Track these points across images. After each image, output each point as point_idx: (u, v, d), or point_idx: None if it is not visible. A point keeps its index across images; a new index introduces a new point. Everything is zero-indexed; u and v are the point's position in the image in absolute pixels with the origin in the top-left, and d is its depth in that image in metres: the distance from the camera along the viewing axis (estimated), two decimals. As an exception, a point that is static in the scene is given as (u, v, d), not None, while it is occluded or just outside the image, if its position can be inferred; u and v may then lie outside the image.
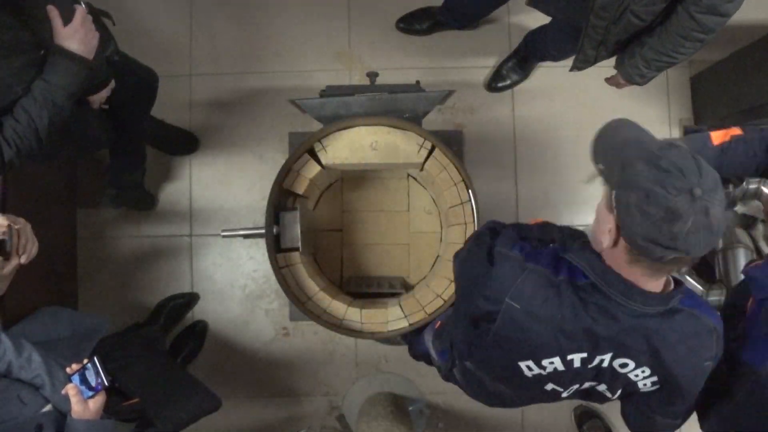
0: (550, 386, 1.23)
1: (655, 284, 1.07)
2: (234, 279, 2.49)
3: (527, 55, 2.42)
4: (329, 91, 1.96)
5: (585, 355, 1.13)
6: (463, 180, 1.92)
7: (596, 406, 2.42)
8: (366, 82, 2.03)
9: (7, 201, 1.89)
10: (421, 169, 1.97)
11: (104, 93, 1.66)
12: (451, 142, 2.40)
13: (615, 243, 1.03)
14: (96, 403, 1.32)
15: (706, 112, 2.49)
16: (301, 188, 1.93)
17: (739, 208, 2.32)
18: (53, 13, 1.35)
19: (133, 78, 1.87)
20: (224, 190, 2.51)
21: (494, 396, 1.42)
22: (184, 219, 2.51)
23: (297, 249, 1.90)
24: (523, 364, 1.18)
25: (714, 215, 0.92)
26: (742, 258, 2.13)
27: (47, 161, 2.13)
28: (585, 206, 2.52)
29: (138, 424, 1.71)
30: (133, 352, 1.97)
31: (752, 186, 2.21)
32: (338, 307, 1.91)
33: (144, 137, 2.26)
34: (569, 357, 1.14)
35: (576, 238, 1.29)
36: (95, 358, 1.33)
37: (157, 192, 2.50)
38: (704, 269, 2.28)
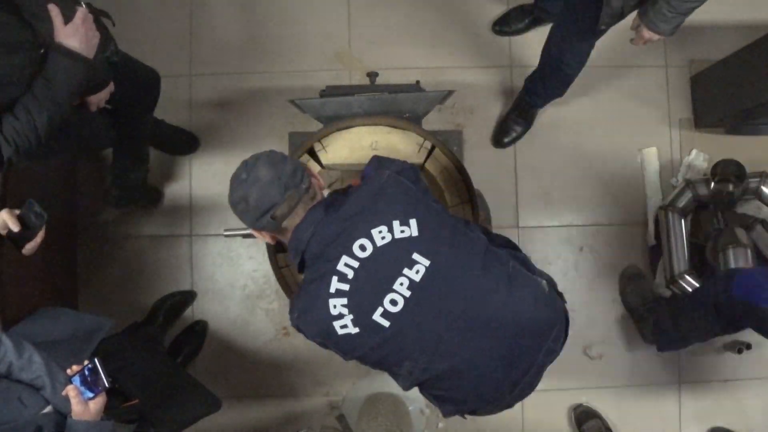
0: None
1: (294, 221, 1.26)
2: (234, 279, 2.49)
3: (529, 104, 2.41)
4: (329, 91, 1.96)
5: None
6: (463, 180, 1.92)
7: (596, 406, 2.42)
8: (366, 82, 2.03)
9: (7, 200, 1.89)
10: (421, 169, 1.97)
11: (103, 95, 1.65)
12: (451, 142, 2.40)
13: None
14: (96, 404, 1.32)
15: (706, 112, 2.49)
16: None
17: (739, 208, 2.33)
18: (54, 11, 1.35)
19: (134, 78, 1.87)
20: (224, 190, 2.46)
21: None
22: (184, 219, 2.51)
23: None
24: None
25: (262, 175, 1.21)
26: (741, 258, 2.13)
27: (46, 161, 2.13)
28: (585, 206, 2.52)
29: (138, 426, 1.71)
30: (133, 353, 1.96)
31: (752, 185, 2.22)
32: (338, 307, 1.91)
33: (147, 137, 2.25)
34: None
35: None
36: (96, 360, 1.33)
37: (161, 187, 2.50)
38: (704, 269, 2.29)
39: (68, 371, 1.33)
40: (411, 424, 2.21)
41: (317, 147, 1.93)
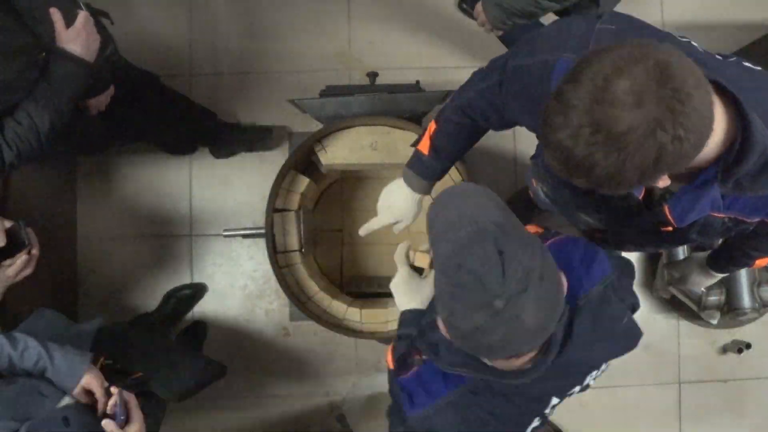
0: None
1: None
2: (234, 279, 2.49)
3: None
4: (329, 91, 1.96)
5: (538, 421, 1.09)
6: (463, 180, 1.92)
7: (595, 405, 2.42)
8: (366, 82, 2.03)
9: (9, 201, 1.89)
10: (421, 169, 1.97)
11: (103, 98, 1.65)
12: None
13: None
14: (15, 267, 1.41)
15: (706, 112, 2.49)
16: (294, 204, 1.92)
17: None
18: (56, 15, 1.35)
19: (133, 77, 1.87)
20: (224, 190, 2.51)
21: None
22: (184, 219, 2.51)
23: (297, 249, 1.91)
24: None
25: (527, 317, 0.82)
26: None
27: (45, 162, 2.14)
28: (585, 206, 2.52)
29: (143, 396, 1.72)
30: (133, 333, 2.01)
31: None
32: (338, 307, 1.91)
33: (179, 108, 2.23)
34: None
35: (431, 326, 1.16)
36: (18, 222, 1.37)
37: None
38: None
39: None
40: (411, 424, 2.21)
41: (317, 147, 1.93)
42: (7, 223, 1.39)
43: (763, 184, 0.94)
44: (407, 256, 1.31)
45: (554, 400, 1.08)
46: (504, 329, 0.82)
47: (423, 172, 1.41)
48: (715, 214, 1.06)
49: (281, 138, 2.49)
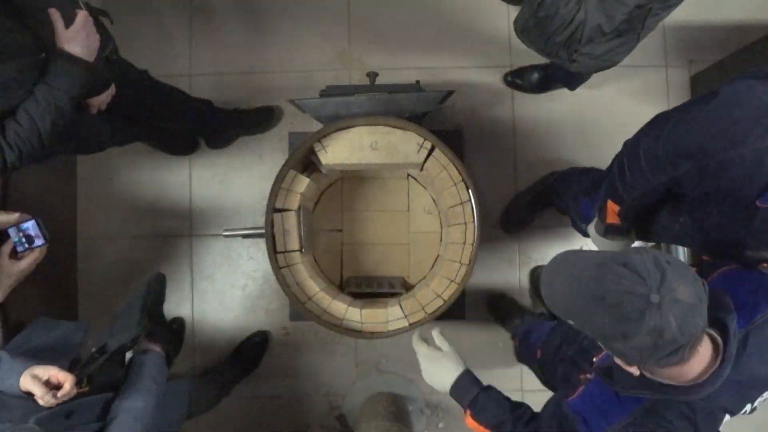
0: None
1: (698, 361, 0.99)
2: (234, 279, 2.49)
3: (554, 75, 2.41)
4: (329, 91, 1.96)
5: None
6: (463, 180, 1.92)
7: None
8: (366, 82, 2.03)
9: (9, 200, 1.89)
10: (421, 169, 1.97)
11: (103, 97, 1.65)
12: (451, 142, 2.40)
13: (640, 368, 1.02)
14: (28, 260, 1.55)
15: (706, 112, 2.49)
16: (294, 204, 1.92)
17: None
18: (55, 15, 1.35)
19: (133, 76, 1.87)
20: (224, 190, 2.51)
21: None
22: (184, 219, 2.51)
23: (297, 249, 1.91)
24: None
25: (681, 293, 0.91)
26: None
27: (45, 161, 2.13)
28: (585, 206, 2.52)
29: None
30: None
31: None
32: (338, 307, 1.91)
33: (177, 103, 2.20)
34: None
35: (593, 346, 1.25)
36: (37, 219, 1.54)
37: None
38: (703, 269, 2.29)
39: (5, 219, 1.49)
40: (411, 424, 2.21)
41: (317, 147, 1.93)
42: (27, 218, 1.50)
43: None
44: (420, 338, 1.40)
45: (726, 417, 1.09)
46: (672, 315, 0.90)
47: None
48: None
49: (280, 119, 2.50)
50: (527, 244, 2.48)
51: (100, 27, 1.53)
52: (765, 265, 1.22)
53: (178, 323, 2.45)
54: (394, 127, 1.92)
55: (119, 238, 2.49)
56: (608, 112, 2.53)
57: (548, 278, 1.04)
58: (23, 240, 1.55)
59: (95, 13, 1.53)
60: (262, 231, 1.90)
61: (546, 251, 2.49)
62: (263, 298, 2.49)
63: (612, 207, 1.44)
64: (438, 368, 1.34)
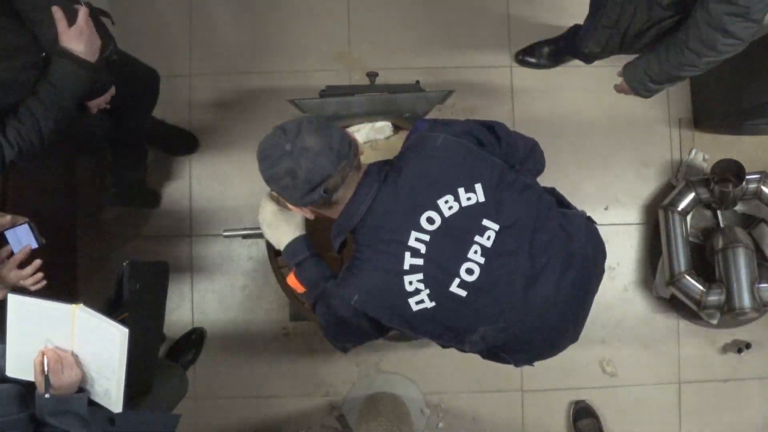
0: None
1: (346, 193, 1.23)
2: (234, 279, 2.49)
3: (565, 47, 2.42)
4: (329, 91, 1.96)
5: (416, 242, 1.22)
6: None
7: (595, 405, 2.42)
8: (366, 82, 2.03)
9: (8, 201, 1.89)
10: (421, 169, 1.97)
11: (102, 99, 1.65)
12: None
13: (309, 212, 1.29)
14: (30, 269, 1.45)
15: (706, 112, 2.49)
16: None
17: (739, 208, 2.33)
18: (58, 14, 1.34)
19: (133, 78, 1.87)
20: (224, 190, 2.51)
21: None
22: (184, 219, 2.51)
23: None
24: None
25: (310, 143, 1.14)
26: (741, 257, 2.13)
27: (44, 161, 2.13)
28: (585, 205, 2.51)
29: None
30: None
31: (752, 185, 2.22)
32: (338, 307, 1.90)
33: (146, 136, 2.25)
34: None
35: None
36: (30, 223, 1.42)
37: (159, 190, 2.50)
38: (704, 269, 2.29)
39: None
40: (411, 424, 2.21)
41: (317, 147, 1.92)
42: (21, 221, 1.40)
43: None
44: (272, 197, 1.46)
45: (428, 213, 1.20)
46: (303, 159, 1.13)
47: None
48: None
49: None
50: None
51: (100, 27, 1.53)
52: None
53: (197, 333, 2.44)
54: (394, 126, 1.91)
55: (119, 238, 2.49)
56: (608, 112, 2.53)
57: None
58: (18, 243, 1.52)
59: (96, 13, 1.53)
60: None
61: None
62: (263, 298, 2.48)
63: None
64: (279, 226, 1.44)
